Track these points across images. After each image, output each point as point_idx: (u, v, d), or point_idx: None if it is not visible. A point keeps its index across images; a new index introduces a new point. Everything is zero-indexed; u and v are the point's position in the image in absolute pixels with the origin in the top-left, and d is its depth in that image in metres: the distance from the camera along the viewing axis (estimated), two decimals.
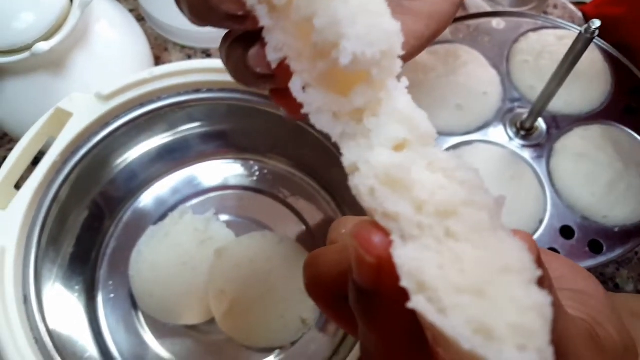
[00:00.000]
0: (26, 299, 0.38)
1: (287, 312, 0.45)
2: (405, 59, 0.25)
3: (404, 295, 0.16)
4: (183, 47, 0.61)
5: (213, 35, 0.60)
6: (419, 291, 0.16)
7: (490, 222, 0.17)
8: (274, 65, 0.21)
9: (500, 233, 0.17)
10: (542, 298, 0.15)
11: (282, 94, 0.24)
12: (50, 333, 0.38)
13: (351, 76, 0.19)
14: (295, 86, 0.20)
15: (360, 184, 0.18)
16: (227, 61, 0.25)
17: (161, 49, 0.61)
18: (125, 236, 0.50)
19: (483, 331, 0.15)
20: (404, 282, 0.16)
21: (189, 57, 0.61)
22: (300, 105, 0.20)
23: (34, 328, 0.37)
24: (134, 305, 0.47)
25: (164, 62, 0.62)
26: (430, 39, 0.30)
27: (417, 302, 0.15)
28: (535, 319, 0.15)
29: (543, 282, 0.16)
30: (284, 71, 0.20)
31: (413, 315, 0.16)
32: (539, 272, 0.16)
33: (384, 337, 0.18)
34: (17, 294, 0.37)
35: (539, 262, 0.17)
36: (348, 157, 0.20)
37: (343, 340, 0.45)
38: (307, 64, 0.20)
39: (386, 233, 0.17)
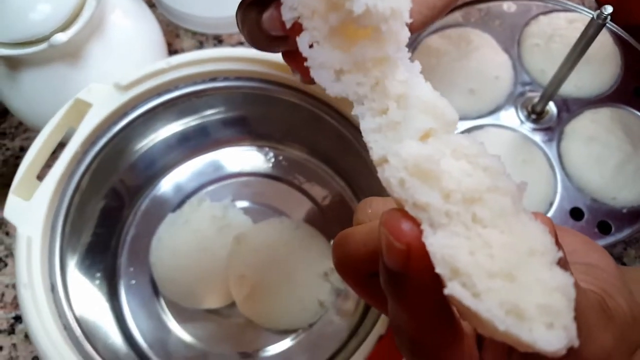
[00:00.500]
0: (53, 287, 0.38)
1: (305, 295, 0.45)
2: (416, 27, 0.24)
3: (433, 277, 0.16)
4: (194, 34, 0.60)
5: (224, 22, 0.59)
6: (453, 277, 0.16)
7: (514, 207, 0.17)
8: (288, 25, 0.21)
9: (522, 217, 0.17)
10: (566, 279, 0.16)
11: (295, 57, 0.24)
12: (77, 320, 0.38)
13: (359, 34, 0.20)
14: (302, 41, 0.20)
15: (391, 176, 0.18)
16: (242, 25, 0.25)
17: (172, 35, 0.60)
18: (144, 224, 0.50)
19: (514, 312, 0.15)
20: (439, 269, 0.16)
21: (200, 43, 0.61)
22: None
23: (62, 315, 0.37)
24: (155, 291, 0.47)
25: (175, 49, 0.61)
26: (442, 10, 0.29)
27: (453, 288, 0.16)
28: (560, 299, 0.16)
29: (564, 264, 0.17)
30: (297, 33, 0.21)
31: (440, 293, 0.16)
32: (560, 254, 0.16)
33: (414, 314, 0.19)
34: (44, 282, 0.37)
35: (557, 243, 0.18)
36: (377, 151, 0.20)
37: (361, 322, 0.45)
38: (320, 21, 0.20)
39: (414, 221, 0.17)
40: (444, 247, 0.17)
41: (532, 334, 0.15)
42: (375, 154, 0.20)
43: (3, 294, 0.53)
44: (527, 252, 0.17)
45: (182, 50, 0.62)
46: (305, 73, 0.23)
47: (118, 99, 0.41)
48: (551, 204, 0.50)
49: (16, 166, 0.57)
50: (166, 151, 0.49)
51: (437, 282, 0.17)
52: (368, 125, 0.20)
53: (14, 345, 0.51)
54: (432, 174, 0.18)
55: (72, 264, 0.42)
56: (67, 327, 0.37)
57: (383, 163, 0.19)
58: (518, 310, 0.16)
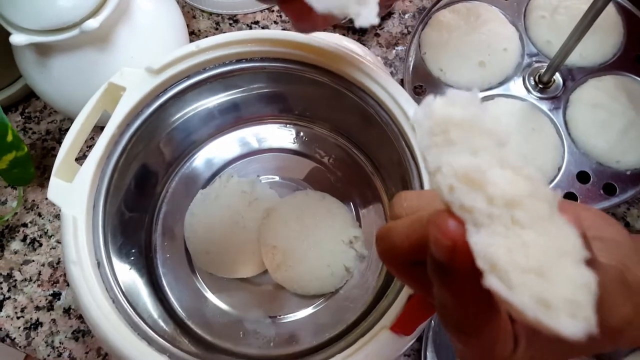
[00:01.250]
0: (99, 264, 0.39)
1: (332, 261, 0.46)
2: None
3: (474, 269, 0.18)
4: (210, 14, 0.60)
5: (239, 2, 0.59)
6: (492, 271, 0.18)
7: (550, 211, 0.19)
8: None
9: (557, 220, 0.19)
10: (590, 277, 0.18)
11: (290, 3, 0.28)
12: (124, 294, 0.39)
13: None
14: None
15: (442, 183, 0.20)
16: None
17: (189, 16, 0.60)
18: (175, 201, 0.50)
19: (543, 304, 0.17)
20: (480, 264, 0.18)
21: (217, 23, 0.60)
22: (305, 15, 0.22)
23: (109, 290, 0.38)
24: (190, 263, 0.48)
25: (192, 30, 0.61)
26: None
27: (491, 281, 0.18)
28: (584, 294, 0.18)
29: (591, 262, 0.18)
30: None
31: (480, 283, 0.18)
32: (587, 254, 0.18)
33: (458, 298, 0.20)
34: (91, 259, 0.38)
35: (586, 243, 0.19)
36: (432, 163, 0.21)
37: (387, 285, 0.46)
38: None
39: (459, 220, 0.19)
40: (486, 245, 0.18)
41: (558, 322, 0.17)
42: (431, 164, 0.21)
43: (40, 273, 0.53)
44: (558, 252, 0.18)
45: (199, 31, 0.61)
46: (297, 18, 0.27)
47: (150, 82, 0.41)
48: (559, 169, 0.51)
49: (43, 149, 0.57)
50: (194, 130, 0.49)
51: (478, 273, 0.18)
52: (425, 143, 0.21)
53: (53, 320, 0.52)
54: (478, 181, 0.19)
55: (114, 241, 0.42)
56: (115, 301, 0.38)
57: (436, 172, 0.20)
58: (546, 302, 0.17)
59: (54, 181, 0.39)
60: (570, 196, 0.50)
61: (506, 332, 0.22)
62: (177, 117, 0.46)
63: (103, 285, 0.38)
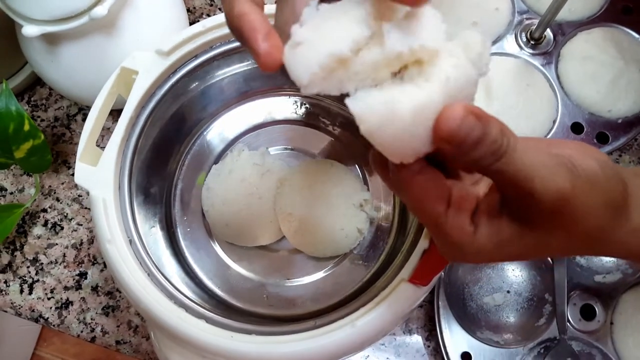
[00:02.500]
0: (131, 242, 0.41)
1: (345, 224, 0.49)
2: None
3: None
4: None
5: None
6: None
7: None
8: None
9: None
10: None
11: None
12: (157, 267, 0.41)
13: None
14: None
15: None
16: None
17: None
18: (189, 176, 0.52)
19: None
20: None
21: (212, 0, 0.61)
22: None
23: (143, 265, 0.40)
24: (210, 235, 0.51)
25: (188, 7, 0.61)
26: None
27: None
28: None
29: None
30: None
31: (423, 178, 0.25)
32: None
33: (409, 194, 0.26)
34: (124, 238, 0.40)
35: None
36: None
37: (400, 243, 0.50)
38: None
39: None
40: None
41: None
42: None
43: (64, 255, 0.56)
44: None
45: (195, 9, 0.62)
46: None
47: (161, 64, 0.43)
48: (554, 122, 0.54)
49: (54, 135, 0.59)
50: (203, 107, 0.51)
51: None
52: None
53: (82, 298, 0.54)
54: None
55: (139, 218, 0.45)
56: (150, 274, 0.40)
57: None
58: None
59: (80, 166, 0.41)
60: None
61: (429, 190, 0.25)
62: (187, 95, 0.48)
63: (137, 261, 0.40)
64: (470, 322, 0.50)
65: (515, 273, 0.52)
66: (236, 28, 0.25)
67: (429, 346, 0.52)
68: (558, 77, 0.55)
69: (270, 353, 0.37)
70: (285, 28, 0.25)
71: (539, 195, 0.23)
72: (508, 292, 0.51)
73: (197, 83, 0.48)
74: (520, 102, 0.53)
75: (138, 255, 0.41)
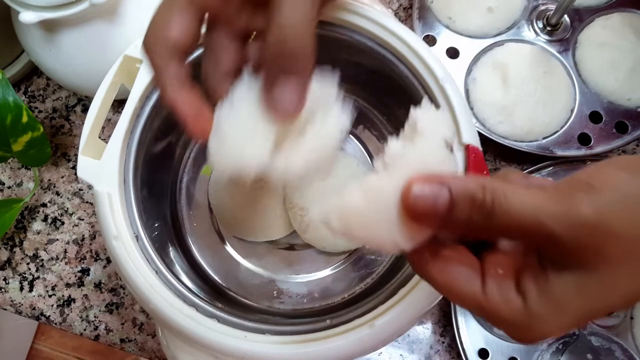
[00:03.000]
0: (137, 238, 0.39)
1: None
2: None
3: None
4: None
5: None
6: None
7: None
8: None
9: None
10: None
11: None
12: (165, 264, 0.40)
13: None
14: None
15: None
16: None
17: None
18: (194, 169, 0.51)
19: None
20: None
21: None
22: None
23: (150, 262, 0.39)
24: (217, 230, 0.49)
25: None
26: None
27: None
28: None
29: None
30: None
31: None
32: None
33: (433, 283, 0.24)
34: (130, 234, 0.38)
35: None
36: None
37: None
38: None
39: None
40: None
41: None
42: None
43: (65, 251, 0.54)
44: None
45: None
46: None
47: None
48: (572, 111, 0.52)
49: (52, 127, 0.57)
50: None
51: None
52: None
53: (85, 295, 0.53)
54: None
55: (144, 213, 0.43)
56: (158, 272, 0.38)
57: None
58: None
59: (83, 159, 0.39)
60: (583, 137, 0.52)
61: (451, 272, 0.23)
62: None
63: (144, 257, 0.38)
64: None
65: None
66: (171, 108, 0.28)
67: (443, 342, 0.50)
68: (575, 65, 0.53)
69: (285, 354, 0.35)
70: (209, 82, 0.30)
71: (558, 234, 0.20)
72: None
73: (201, 69, 0.46)
74: (538, 90, 0.51)
75: (145, 252, 0.39)
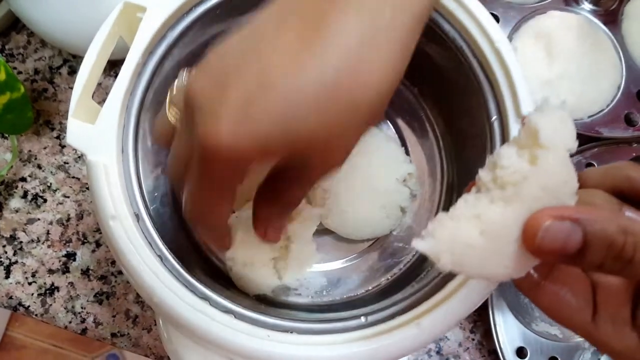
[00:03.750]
0: (138, 217, 0.33)
1: (387, 202, 0.42)
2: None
3: None
4: None
5: None
6: None
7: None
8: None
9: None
10: None
11: None
12: (169, 248, 0.34)
13: None
14: None
15: None
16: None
17: None
18: None
19: None
20: None
21: None
22: None
23: (154, 247, 0.33)
24: None
25: None
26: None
27: None
28: None
29: None
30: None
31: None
32: None
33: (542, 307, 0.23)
34: (130, 213, 0.32)
35: None
36: None
37: None
38: None
39: None
40: None
41: None
42: None
43: (48, 232, 0.47)
44: None
45: None
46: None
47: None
48: (619, 87, 0.47)
49: (33, 91, 0.50)
50: None
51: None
52: None
53: (71, 283, 0.46)
54: None
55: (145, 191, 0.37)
56: (163, 258, 0.33)
57: None
58: None
59: (74, 123, 0.33)
60: (629, 118, 0.47)
61: (562, 300, 0.22)
62: (202, 40, 0.39)
63: (146, 241, 0.32)
64: (525, 312, 0.44)
65: None
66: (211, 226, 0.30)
67: (473, 339, 0.46)
68: (622, 38, 0.48)
69: (319, 357, 0.30)
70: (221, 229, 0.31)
71: None
72: None
73: (217, 25, 0.39)
74: (585, 65, 0.46)
75: (147, 235, 0.33)
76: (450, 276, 0.32)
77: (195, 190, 0.26)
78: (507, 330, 0.43)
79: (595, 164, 0.46)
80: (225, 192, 0.26)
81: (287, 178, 0.28)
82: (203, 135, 0.22)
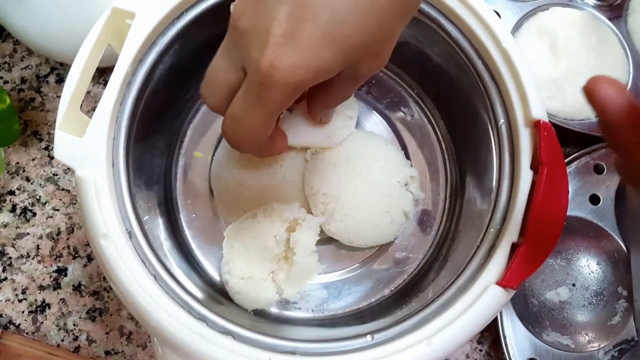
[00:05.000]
0: (131, 235, 0.32)
1: (391, 207, 0.41)
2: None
3: None
4: None
5: None
6: None
7: None
8: None
9: None
10: None
11: None
12: (164, 266, 0.32)
13: None
14: None
15: None
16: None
17: None
18: (193, 151, 0.43)
19: None
20: None
21: None
22: None
23: (147, 265, 0.32)
24: (219, 222, 0.42)
25: None
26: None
27: None
28: None
29: None
30: None
31: None
32: None
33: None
34: (122, 230, 0.31)
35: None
36: None
37: (448, 232, 0.42)
38: None
39: None
40: None
41: None
42: None
43: (38, 247, 0.46)
44: None
45: None
46: None
47: (165, 4, 0.33)
48: (626, 85, 0.46)
49: (20, 101, 0.49)
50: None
51: None
52: None
53: (62, 300, 0.45)
54: None
55: (139, 204, 0.35)
56: (157, 277, 0.31)
57: None
58: None
59: (61, 136, 0.31)
60: None
61: None
62: (194, 46, 0.38)
63: (140, 260, 0.31)
64: (534, 321, 0.43)
65: (581, 263, 0.44)
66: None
67: (480, 350, 0.45)
68: (628, 34, 0.47)
69: None
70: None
71: None
72: (573, 285, 0.44)
73: (209, 30, 0.38)
74: (591, 61, 0.45)
75: (140, 253, 0.32)
76: (461, 291, 0.31)
77: (246, 112, 0.26)
78: (517, 340, 0.41)
79: (604, 165, 0.45)
80: (275, 114, 0.27)
81: (338, 81, 0.29)
82: (259, 64, 0.24)
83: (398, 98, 0.44)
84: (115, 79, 0.32)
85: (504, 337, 0.41)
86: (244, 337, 0.31)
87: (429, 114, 0.44)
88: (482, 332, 0.45)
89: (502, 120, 0.34)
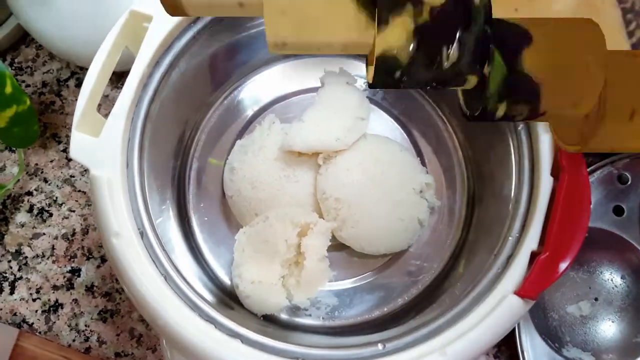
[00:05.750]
0: (142, 235, 0.32)
1: (405, 214, 0.40)
2: None
3: None
4: None
5: None
6: None
7: None
8: None
9: None
10: None
11: None
12: (175, 267, 0.33)
13: None
14: None
15: None
16: None
17: None
18: (206, 154, 0.44)
19: None
20: None
21: None
22: None
23: (158, 265, 0.32)
24: (231, 226, 0.42)
25: None
26: None
27: None
28: None
29: None
30: None
31: None
32: None
33: None
34: (134, 230, 0.31)
35: None
36: None
37: (464, 244, 0.41)
38: None
39: None
40: None
41: None
42: None
43: (53, 247, 0.47)
44: None
45: None
46: None
47: None
48: None
49: (41, 104, 0.50)
50: (227, 68, 0.42)
51: None
52: None
53: (75, 300, 0.46)
54: None
55: (152, 205, 0.36)
56: (167, 278, 0.32)
57: None
58: None
59: (77, 136, 0.32)
60: None
61: None
62: (210, 51, 0.39)
63: (151, 259, 0.31)
64: (554, 336, 0.42)
65: (604, 277, 0.43)
66: None
67: None
68: None
69: None
70: None
71: None
72: (596, 299, 0.43)
73: (223, 36, 0.39)
74: None
75: (151, 253, 0.32)
76: (478, 300, 0.31)
77: None
78: (536, 355, 0.41)
79: (628, 175, 0.44)
80: None
81: None
82: None
83: (414, 104, 0.44)
84: (132, 80, 0.33)
85: (522, 352, 0.40)
86: (252, 340, 0.31)
87: (445, 119, 0.44)
88: (499, 346, 0.44)
89: (521, 125, 0.34)
